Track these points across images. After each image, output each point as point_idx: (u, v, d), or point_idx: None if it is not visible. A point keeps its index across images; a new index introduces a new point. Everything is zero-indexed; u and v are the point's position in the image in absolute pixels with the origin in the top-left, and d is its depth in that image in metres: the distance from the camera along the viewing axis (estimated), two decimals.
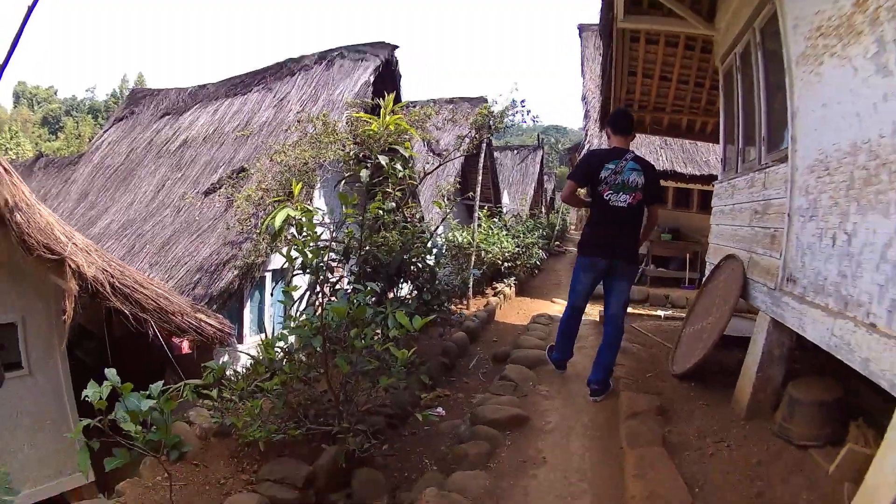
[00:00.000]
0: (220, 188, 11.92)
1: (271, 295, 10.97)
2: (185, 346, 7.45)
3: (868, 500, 2.48)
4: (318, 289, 5.36)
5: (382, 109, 5.87)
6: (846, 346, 2.93)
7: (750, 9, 5.15)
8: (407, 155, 5.96)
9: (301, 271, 5.10)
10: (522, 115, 10.16)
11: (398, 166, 5.91)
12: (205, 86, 16.84)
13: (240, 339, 9.97)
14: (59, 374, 6.50)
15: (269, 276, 11.09)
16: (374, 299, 5.54)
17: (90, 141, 25.94)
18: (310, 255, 4.16)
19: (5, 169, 5.59)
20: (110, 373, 2.97)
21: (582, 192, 5.42)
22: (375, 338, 4.08)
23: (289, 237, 5.15)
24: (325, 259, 4.67)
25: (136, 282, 6.65)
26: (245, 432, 3.86)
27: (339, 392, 4.01)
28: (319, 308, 4.32)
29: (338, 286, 5.56)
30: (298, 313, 4.92)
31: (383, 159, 5.69)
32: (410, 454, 4.49)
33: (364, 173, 5.73)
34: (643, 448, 3.89)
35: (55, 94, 62.40)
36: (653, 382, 5.30)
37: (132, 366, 4.14)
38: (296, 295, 5.03)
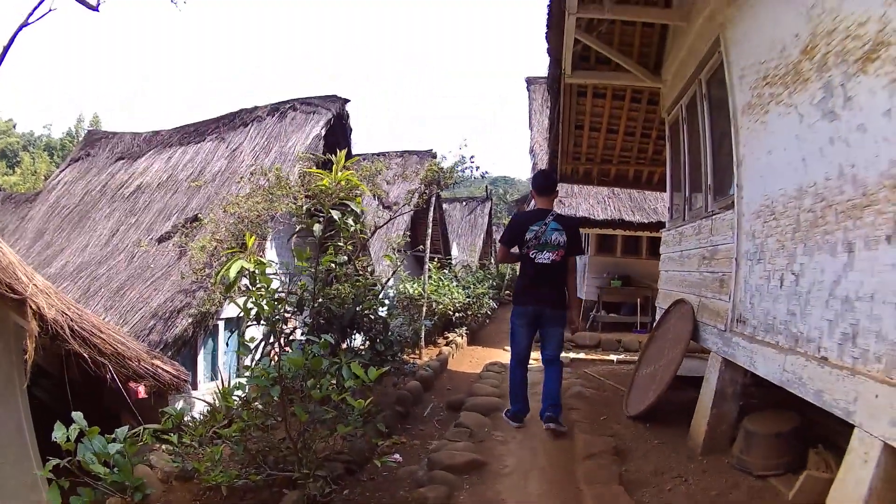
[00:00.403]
0: (173, 236, 11.94)
1: (226, 344, 10.97)
2: (142, 391, 7.37)
3: None
4: (273, 339, 5.36)
5: (335, 165, 5.94)
6: (798, 381, 3.05)
7: (696, 61, 5.42)
8: (358, 210, 6.05)
9: (255, 322, 5.11)
10: (472, 171, 10.46)
11: (350, 221, 5.95)
12: (159, 132, 16.90)
13: (194, 386, 9.93)
14: (20, 411, 6.25)
15: (221, 324, 11.10)
16: (327, 350, 5.57)
17: (46, 179, 25.53)
18: (266, 308, 4.20)
19: None
20: (77, 416, 3.06)
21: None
22: (331, 388, 4.09)
23: (242, 288, 5.16)
24: (282, 311, 4.68)
25: (94, 326, 6.54)
26: (208, 476, 3.83)
27: (297, 440, 4.02)
28: (275, 358, 4.34)
29: (291, 337, 5.59)
30: (254, 363, 4.94)
31: (336, 214, 5.73)
32: (370, 499, 4.41)
33: (317, 227, 5.77)
34: (601, 486, 3.93)
35: (14, 127, 60.80)
36: (608, 425, 5.38)
37: (89, 408, 4.10)
38: (252, 345, 5.02)
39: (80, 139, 20.40)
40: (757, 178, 3.96)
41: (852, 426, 2.56)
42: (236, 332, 11.23)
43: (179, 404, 8.67)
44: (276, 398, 3.83)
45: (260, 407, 4.42)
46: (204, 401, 6.27)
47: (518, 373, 5.74)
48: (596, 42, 6.46)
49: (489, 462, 4.79)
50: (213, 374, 10.96)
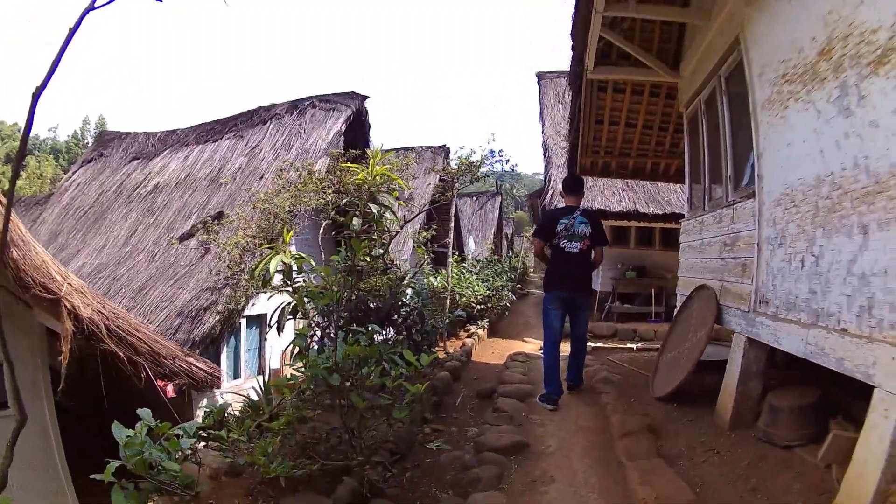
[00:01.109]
0: (195, 234, 12.08)
1: (265, 337, 11.23)
2: (171, 391, 7.46)
3: (858, 472, 2.84)
4: (312, 332, 5.62)
5: (371, 160, 6.18)
6: (820, 352, 3.36)
7: (715, 58, 5.69)
8: (396, 204, 6.29)
9: (292, 317, 5.30)
10: (502, 164, 10.77)
11: (387, 215, 6.20)
12: (174, 131, 17.02)
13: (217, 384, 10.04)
14: (45, 414, 6.22)
15: (244, 322, 11.26)
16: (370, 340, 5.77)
17: (52, 182, 25.33)
18: (324, 298, 4.42)
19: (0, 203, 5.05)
20: (144, 412, 3.07)
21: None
22: (381, 376, 4.28)
23: (278, 283, 5.35)
24: (335, 302, 4.90)
25: (130, 325, 6.54)
26: (267, 469, 3.83)
27: (353, 427, 4.17)
28: (316, 350, 4.51)
29: (328, 330, 5.83)
30: (292, 356, 5.07)
31: (374, 208, 5.97)
32: (418, 485, 4.59)
33: (356, 221, 5.99)
34: (642, 460, 4.24)
35: (19, 131, 61.15)
36: (638, 407, 5.66)
37: (119, 408, 3.99)
38: (284, 339, 5.13)
39: (89, 141, 20.49)
40: (777, 169, 4.23)
41: (868, 397, 2.85)
42: (258, 328, 11.52)
43: (203, 402, 8.73)
44: (332, 386, 3.93)
45: (298, 403, 4.55)
46: (243, 395, 6.37)
47: (552, 354, 6.18)
48: (619, 39, 6.77)
49: (531, 443, 5.08)
50: (236, 372, 11.19)
